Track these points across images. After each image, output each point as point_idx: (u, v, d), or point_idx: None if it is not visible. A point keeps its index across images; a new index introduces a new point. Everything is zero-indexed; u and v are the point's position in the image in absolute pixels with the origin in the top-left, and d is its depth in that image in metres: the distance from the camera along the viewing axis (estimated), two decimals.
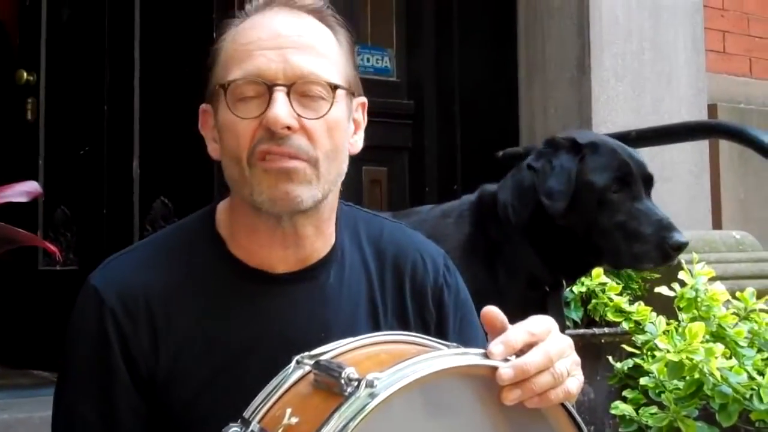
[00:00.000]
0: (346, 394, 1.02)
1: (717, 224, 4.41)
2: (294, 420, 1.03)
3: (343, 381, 1.02)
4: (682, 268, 2.92)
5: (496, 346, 1.15)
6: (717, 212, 4.47)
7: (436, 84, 4.36)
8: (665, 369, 2.68)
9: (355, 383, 1.02)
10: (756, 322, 2.93)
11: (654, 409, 2.73)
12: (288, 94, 1.35)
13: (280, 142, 1.34)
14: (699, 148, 4.20)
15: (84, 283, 1.44)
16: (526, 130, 4.08)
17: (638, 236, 2.36)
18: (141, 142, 3.64)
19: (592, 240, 2.41)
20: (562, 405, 1.16)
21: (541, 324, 1.21)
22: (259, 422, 1.07)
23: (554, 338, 1.20)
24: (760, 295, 2.98)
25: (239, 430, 1.07)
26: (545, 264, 2.44)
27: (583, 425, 1.18)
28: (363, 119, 1.49)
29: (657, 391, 2.73)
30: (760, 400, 2.60)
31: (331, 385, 1.05)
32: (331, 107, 1.37)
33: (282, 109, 1.34)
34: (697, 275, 2.89)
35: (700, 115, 4.22)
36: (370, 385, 1.01)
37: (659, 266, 2.40)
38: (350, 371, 1.03)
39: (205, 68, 1.46)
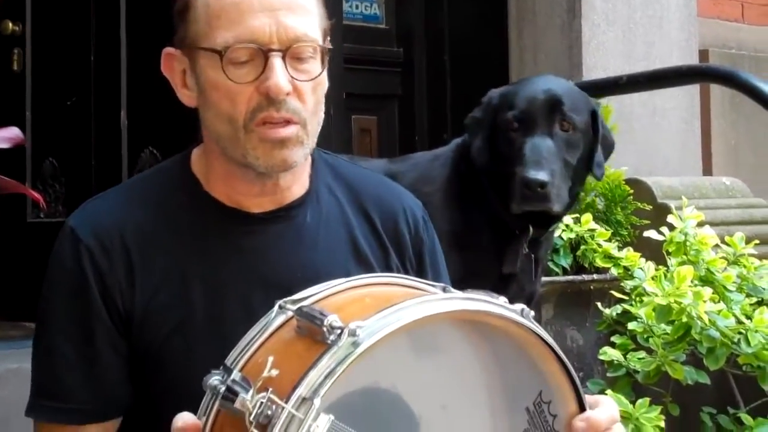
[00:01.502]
0: (329, 342, 1.01)
1: (707, 170, 4.42)
2: (274, 372, 1.02)
3: (325, 329, 1.01)
4: (671, 212, 2.92)
5: (580, 423, 1.13)
6: (707, 158, 4.47)
7: (426, 31, 4.33)
8: (653, 313, 2.69)
9: (338, 331, 1.01)
10: (745, 266, 2.94)
11: (642, 354, 2.75)
12: (283, 58, 1.35)
13: (278, 106, 1.36)
14: (690, 93, 4.19)
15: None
16: (516, 77, 4.04)
17: (510, 175, 2.34)
18: (128, 93, 3.62)
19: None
20: (552, 349, 1.14)
21: (614, 412, 1.18)
22: (240, 370, 1.06)
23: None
24: (749, 241, 2.99)
25: (221, 377, 1.06)
26: (507, 209, 2.44)
27: (572, 369, 1.18)
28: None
29: (645, 336, 2.74)
30: (748, 343, 2.63)
31: (314, 333, 1.04)
32: (322, 71, 1.40)
33: (282, 77, 1.35)
34: (686, 219, 2.90)
35: (692, 60, 4.19)
36: (352, 333, 1.00)
37: (524, 208, 2.32)
38: (333, 319, 1.01)
39: (175, 12, 1.44)
